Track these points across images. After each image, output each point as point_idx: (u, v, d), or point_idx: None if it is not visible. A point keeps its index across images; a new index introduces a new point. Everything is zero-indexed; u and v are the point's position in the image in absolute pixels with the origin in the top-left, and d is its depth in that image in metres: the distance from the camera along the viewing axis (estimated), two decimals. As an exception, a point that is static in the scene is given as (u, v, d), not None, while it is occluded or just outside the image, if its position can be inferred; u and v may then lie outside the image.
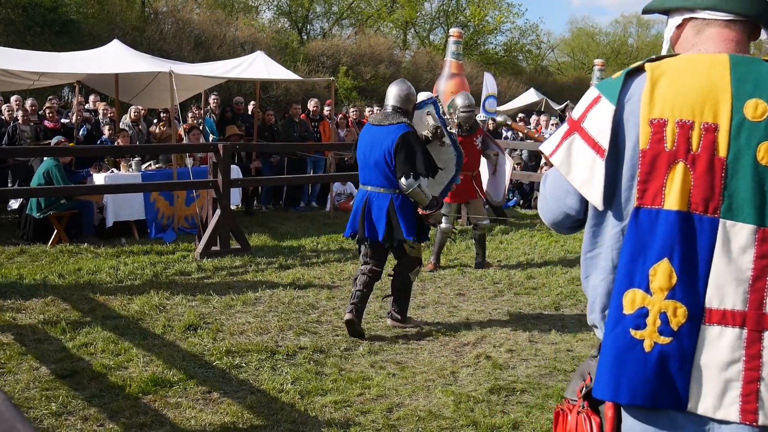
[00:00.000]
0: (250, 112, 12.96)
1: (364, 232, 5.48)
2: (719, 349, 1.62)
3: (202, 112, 12.43)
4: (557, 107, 24.70)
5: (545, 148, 1.86)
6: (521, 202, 13.64)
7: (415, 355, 5.13)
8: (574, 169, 1.76)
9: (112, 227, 9.24)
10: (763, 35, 1.81)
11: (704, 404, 1.62)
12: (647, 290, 1.65)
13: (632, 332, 1.66)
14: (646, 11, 1.94)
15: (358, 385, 4.50)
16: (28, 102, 11.16)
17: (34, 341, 5.20)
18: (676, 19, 1.82)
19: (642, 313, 1.65)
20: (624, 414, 1.73)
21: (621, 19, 50.85)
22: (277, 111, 13.59)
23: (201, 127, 11.69)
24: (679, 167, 1.64)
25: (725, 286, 1.62)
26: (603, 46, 47.24)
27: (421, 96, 6.19)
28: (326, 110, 13.31)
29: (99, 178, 9.41)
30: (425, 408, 4.19)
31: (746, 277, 1.62)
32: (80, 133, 11.12)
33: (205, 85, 12.47)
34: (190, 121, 12.03)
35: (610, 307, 1.71)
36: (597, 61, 20.06)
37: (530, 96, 26.60)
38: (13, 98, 11.52)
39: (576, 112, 1.81)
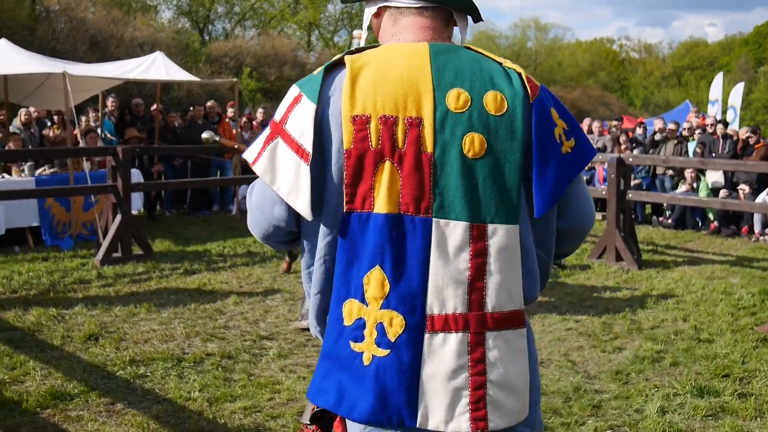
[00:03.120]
0: (150, 115, 12.60)
1: None
2: (444, 358, 1.51)
3: (99, 114, 11.99)
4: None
5: (248, 155, 1.68)
6: None
7: (326, 357, 5.11)
8: (279, 177, 1.58)
9: (4, 235, 8.79)
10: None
11: (435, 418, 1.51)
12: (363, 300, 1.53)
13: (351, 344, 1.53)
14: (347, 1, 1.83)
15: (268, 390, 4.44)
16: None
17: None
18: (372, 9, 1.71)
19: (359, 325, 1.53)
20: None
21: (519, 23, 52.30)
22: (180, 113, 13.25)
23: (99, 130, 11.28)
24: (387, 166, 1.51)
25: (444, 289, 1.51)
26: (504, 49, 48.44)
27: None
28: (229, 112, 13.11)
29: (-12, 184, 8.93)
30: (336, 410, 4.17)
31: (464, 277, 1.52)
32: (-33, 136, 10.53)
33: (103, 86, 12.04)
34: (84, 124, 11.58)
35: (332, 319, 1.58)
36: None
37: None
38: None
39: (278, 114, 1.64)
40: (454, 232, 1.52)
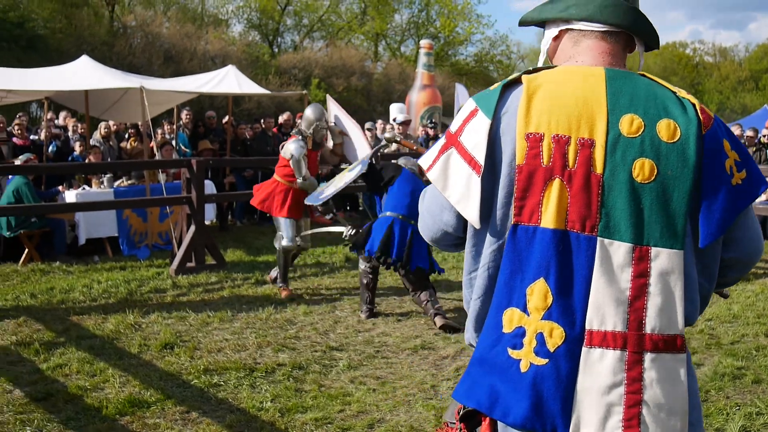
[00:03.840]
0: (222, 127, 12.89)
1: None
2: (601, 373, 1.56)
3: (174, 127, 12.34)
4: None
5: (423, 162, 1.78)
6: None
7: (395, 369, 5.12)
8: (450, 185, 1.69)
9: (84, 245, 9.13)
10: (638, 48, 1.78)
11: (586, 430, 1.56)
12: (524, 310, 1.59)
13: (509, 351, 1.60)
14: (522, 23, 1.88)
15: (339, 402, 4.47)
16: (-4, 119, 11.00)
17: (7, 363, 5.11)
18: (553, 31, 1.77)
19: (519, 333, 1.59)
20: None
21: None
22: (250, 125, 13.50)
23: (173, 142, 11.60)
24: (556, 184, 1.58)
25: (605, 306, 1.56)
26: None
27: (393, 108, 6.40)
28: (299, 123, 13.28)
29: (70, 196, 9.29)
30: (406, 423, 4.18)
31: (625, 297, 1.57)
32: (50, 149, 10.98)
33: (177, 99, 12.39)
34: (160, 137, 11.93)
35: (490, 325, 1.64)
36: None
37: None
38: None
39: (453, 125, 1.74)
40: (617, 252, 1.57)
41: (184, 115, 12.64)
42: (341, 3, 37.29)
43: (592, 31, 1.71)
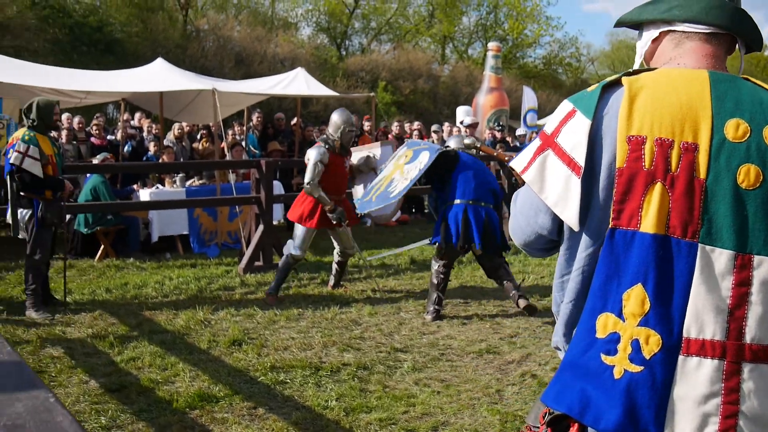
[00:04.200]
0: (291, 128, 13.08)
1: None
2: (697, 382, 1.52)
3: (244, 128, 12.59)
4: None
5: (516, 164, 1.75)
6: None
7: (460, 372, 5.10)
8: (547, 187, 1.66)
9: (157, 242, 9.40)
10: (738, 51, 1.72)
11: None
12: (620, 315, 1.56)
13: (603, 357, 1.57)
14: (619, 24, 1.83)
15: (403, 403, 4.48)
16: (76, 120, 11.42)
17: (84, 355, 5.30)
18: (652, 33, 1.73)
19: (613, 339, 1.56)
20: None
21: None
22: (318, 126, 13.67)
23: (243, 144, 11.83)
24: (657, 188, 1.54)
25: (704, 314, 1.52)
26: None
27: (460, 111, 6.39)
28: (366, 125, 13.39)
29: (144, 194, 9.58)
30: (471, 427, 4.16)
31: (725, 305, 1.52)
32: (125, 149, 11.35)
33: (247, 101, 12.65)
34: (230, 138, 12.19)
35: (583, 330, 1.61)
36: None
37: (570, 109, 26.36)
38: (64, 116, 11.80)
39: (549, 127, 1.71)
40: (719, 259, 1.53)
41: (255, 117, 12.87)
42: (409, 6, 37.38)
43: (696, 32, 1.67)
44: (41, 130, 6.33)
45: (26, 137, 6.20)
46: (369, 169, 7.34)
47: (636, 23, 1.77)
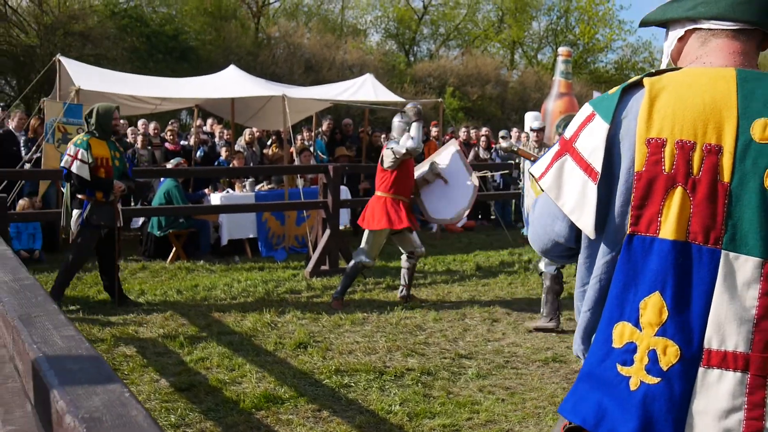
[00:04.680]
0: (358, 134, 13.18)
1: None
2: (718, 395, 1.44)
3: (313, 134, 12.74)
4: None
5: (535, 170, 1.70)
6: None
7: (525, 380, 5.04)
8: (564, 194, 1.60)
9: (226, 245, 9.60)
10: None
11: None
12: (637, 324, 1.49)
13: (619, 367, 1.50)
14: (643, 24, 1.76)
15: (467, 410, 4.45)
16: (152, 125, 11.78)
17: (155, 354, 5.44)
18: (678, 32, 1.65)
19: (630, 349, 1.50)
20: None
21: None
22: (385, 132, 13.73)
23: (312, 149, 11.98)
24: (678, 192, 1.47)
25: (726, 325, 1.44)
26: None
27: (528, 116, 6.27)
28: (433, 131, 13.38)
29: (215, 198, 9.80)
30: (536, 436, 4.10)
31: (750, 315, 1.44)
32: (198, 154, 11.64)
33: (316, 107, 12.80)
34: (299, 143, 12.36)
35: (600, 339, 1.55)
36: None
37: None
38: (140, 122, 12.20)
39: (568, 132, 1.65)
40: (743, 267, 1.45)
41: (325, 123, 13.01)
42: (478, 11, 37.23)
43: (723, 29, 1.58)
44: (101, 135, 6.55)
45: (79, 141, 6.46)
46: (434, 176, 7.30)
47: (662, 22, 1.70)
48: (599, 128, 1.56)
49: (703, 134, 1.48)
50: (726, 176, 1.46)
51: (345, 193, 10.25)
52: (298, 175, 10.24)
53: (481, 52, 35.38)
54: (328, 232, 8.47)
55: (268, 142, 12.67)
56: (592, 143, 1.56)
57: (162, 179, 9.59)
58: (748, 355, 1.44)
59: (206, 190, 10.35)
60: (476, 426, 4.23)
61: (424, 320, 6.52)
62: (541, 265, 6.35)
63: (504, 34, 36.98)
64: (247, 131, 12.07)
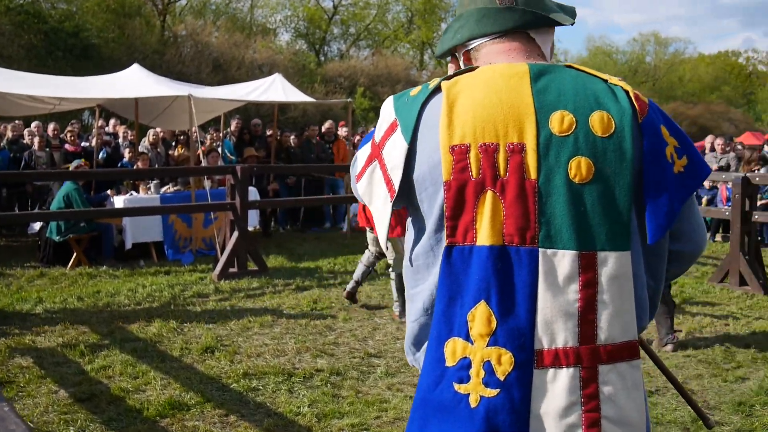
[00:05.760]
0: (267, 135, 13.06)
1: None
2: (556, 394, 1.42)
3: (221, 134, 12.54)
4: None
5: (353, 170, 1.68)
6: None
7: (433, 377, 5.09)
8: (374, 202, 1.58)
9: (130, 249, 9.32)
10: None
11: None
12: (467, 338, 1.43)
13: (456, 386, 1.43)
14: (439, 57, 1.78)
15: (375, 408, 4.47)
16: (50, 126, 11.33)
17: (53, 364, 5.23)
18: (460, 57, 1.68)
19: (464, 365, 1.43)
20: None
21: (638, 37, 50.84)
22: (295, 132, 13.67)
23: (220, 150, 11.79)
24: (489, 197, 1.44)
25: (554, 322, 1.42)
26: (621, 65, 47.20)
27: None
28: (343, 131, 13.39)
29: (118, 201, 9.50)
30: (442, 431, 4.15)
31: (574, 309, 1.42)
32: (100, 156, 11.26)
33: (225, 107, 12.60)
34: (208, 143, 12.14)
35: (431, 360, 1.48)
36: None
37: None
38: (33, 124, 11.71)
39: (378, 134, 1.61)
40: (562, 262, 1.43)
41: (233, 123, 12.83)
42: (388, 12, 37.49)
43: (482, 43, 1.62)
44: None
45: None
46: None
47: (449, 52, 1.72)
48: (400, 146, 1.52)
49: (504, 134, 1.45)
50: (532, 173, 1.44)
51: (254, 194, 10.12)
52: (206, 177, 10.05)
53: (392, 52, 35.68)
54: (236, 234, 8.35)
55: (174, 143, 12.39)
56: (393, 160, 1.53)
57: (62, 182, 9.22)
58: (578, 348, 1.43)
59: (109, 192, 10.02)
60: (384, 424, 4.26)
61: (333, 321, 6.51)
62: None
63: (413, 35, 37.41)
64: (151, 132, 11.76)
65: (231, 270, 8.26)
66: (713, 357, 5.51)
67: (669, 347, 5.69)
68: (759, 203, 10.27)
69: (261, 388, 4.83)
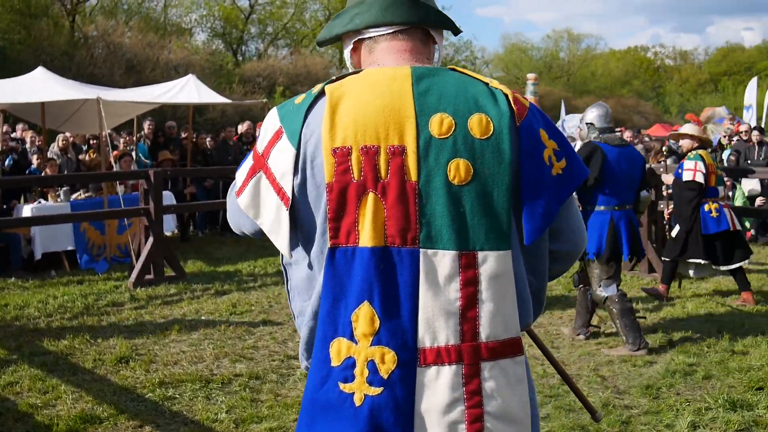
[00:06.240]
0: (182, 137, 12.80)
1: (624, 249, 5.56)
2: (438, 391, 1.45)
3: (134, 138, 12.22)
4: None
5: (234, 185, 1.69)
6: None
7: (352, 376, 5.10)
8: (262, 214, 1.59)
9: (40, 259, 8.98)
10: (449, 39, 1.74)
11: None
12: (352, 338, 1.47)
13: (341, 386, 1.47)
14: (319, 44, 1.80)
15: (294, 411, 4.45)
16: (-50, 133, 10.81)
17: (-43, 383, 5.01)
18: (348, 46, 1.69)
19: (349, 364, 1.47)
20: None
21: (552, 34, 52.11)
22: (213, 134, 13.45)
23: (134, 154, 11.49)
24: (370, 198, 1.47)
25: (436, 321, 1.46)
26: (536, 61, 48.31)
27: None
28: (258, 132, 13.24)
29: (26, 210, 9.15)
30: (361, 430, 4.17)
31: (455, 308, 1.47)
32: (6, 163, 10.80)
33: (138, 110, 12.28)
34: (121, 147, 11.82)
35: (318, 361, 1.51)
36: (530, 75, 20.23)
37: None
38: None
39: (260, 144, 1.62)
40: (442, 262, 1.47)
41: (146, 126, 12.52)
42: (305, 11, 37.31)
43: (382, 35, 1.63)
44: None
45: None
46: None
47: (334, 39, 1.72)
48: (288, 151, 1.54)
49: (385, 137, 1.49)
50: (413, 175, 1.47)
51: (170, 198, 9.92)
52: (118, 182, 9.77)
53: (310, 51, 35.49)
54: (151, 240, 8.16)
55: (85, 148, 12.01)
56: (282, 167, 1.55)
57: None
58: (460, 346, 1.47)
59: (14, 201, 9.63)
60: (303, 426, 4.24)
61: (253, 324, 6.44)
62: (601, 292, 5.58)
63: (332, 34, 37.28)
64: (60, 137, 11.36)
65: (147, 277, 8.07)
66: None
67: (581, 336, 5.86)
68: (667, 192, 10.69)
69: (177, 396, 4.74)
